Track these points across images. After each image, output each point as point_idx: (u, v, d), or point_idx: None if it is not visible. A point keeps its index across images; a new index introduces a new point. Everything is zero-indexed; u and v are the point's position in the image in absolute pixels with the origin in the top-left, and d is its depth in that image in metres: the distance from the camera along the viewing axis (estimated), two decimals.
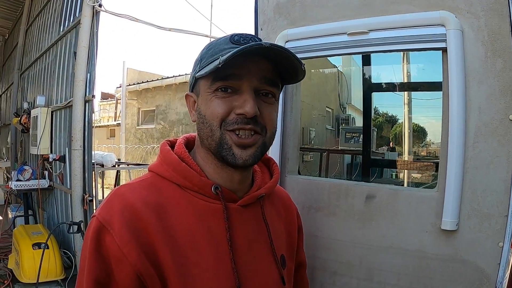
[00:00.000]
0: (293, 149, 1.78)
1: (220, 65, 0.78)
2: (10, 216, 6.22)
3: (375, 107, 6.64)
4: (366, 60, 3.36)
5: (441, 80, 1.42)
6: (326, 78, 6.49)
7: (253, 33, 1.89)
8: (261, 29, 1.81)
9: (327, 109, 7.23)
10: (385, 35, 1.42)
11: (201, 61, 0.90)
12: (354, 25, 1.47)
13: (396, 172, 4.89)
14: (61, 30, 6.32)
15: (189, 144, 1.02)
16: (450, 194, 1.31)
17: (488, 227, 1.30)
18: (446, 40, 1.33)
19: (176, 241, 0.83)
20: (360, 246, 1.47)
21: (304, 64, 0.88)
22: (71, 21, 5.82)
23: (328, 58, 5.63)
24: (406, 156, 5.32)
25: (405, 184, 4.69)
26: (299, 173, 1.85)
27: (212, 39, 0.99)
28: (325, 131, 7.18)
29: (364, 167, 3.64)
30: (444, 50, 1.35)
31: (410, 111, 5.17)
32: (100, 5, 5.05)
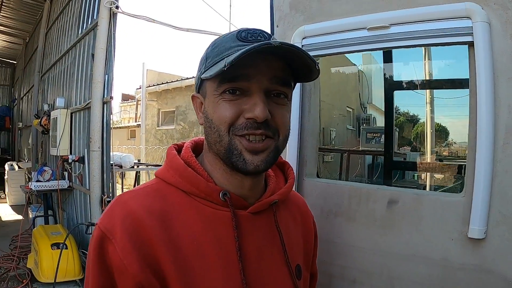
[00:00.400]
0: (312, 150, 1.71)
1: (225, 68, 0.73)
2: (30, 216, 6.30)
3: (396, 106, 6.53)
4: (387, 56, 3.24)
5: (467, 77, 1.33)
6: (347, 77, 6.41)
7: (269, 31, 1.83)
8: (277, 26, 1.75)
9: (347, 109, 7.14)
10: (407, 29, 1.34)
11: (206, 61, 0.84)
12: (374, 20, 1.39)
13: (419, 174, 4.75)
14: (80, 32, 6.38)
15: (198, 148, 0.97)
16: (478, 199, 1.22)
17: None
18: (472, 33, 1.24)
19: (181, 250, 0.78)
20: (381, 254, 1.39)
21: (318, 63, 0.82)
22: (89, 23, 5.88)
23: (347, 56, 5.56)
24: (428, 157, 5.17)
25: (428, 187, 4.54)
26: (318, 176, 1.78)
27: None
28: (345, 131, 7.09)
29: (386, 169, 3.50)
30: (471, 44, 1.26)
31: (432, 110, 5.03)
32: (117, 7, 5.07)
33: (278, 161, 1.04)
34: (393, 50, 3.21)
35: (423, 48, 4.11)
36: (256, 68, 0.79)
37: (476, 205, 1.22)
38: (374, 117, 6.41)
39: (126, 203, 0.80)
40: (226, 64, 0.72)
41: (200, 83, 0.87)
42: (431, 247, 1.31)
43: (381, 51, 3.25)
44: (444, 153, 6.22)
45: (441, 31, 1.29)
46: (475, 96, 1.25)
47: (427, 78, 4.13)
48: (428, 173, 4.61)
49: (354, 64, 6.04)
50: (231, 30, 0.87)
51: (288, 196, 1.01)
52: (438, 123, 5.55)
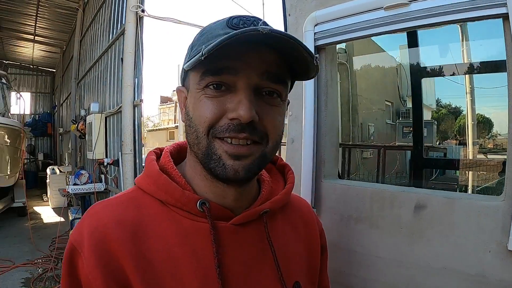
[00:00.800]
0: (331, 149, 1.56)
1: (202, 58, 0.61)
2: (70, 218, 6.48)
3: (438, 98, 6.25)
4: (412, 40, 2.98)
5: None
6: (384, 71, 6.20)
7: (281, 21, 1.70)
8: (289, 15, 1.61)
9: (386, 102, 6.91)
10: (428, 5, 1.16)
11: (192, 49, 0.73)
12: None
13: (461, 171, 4.45)
14: (110, 38, 6.50)
15: (182, 152, 0.86)
16: None
17: None
18: (506, 3, 1.04)
19: (152, 266, 0.69)
20: (407, 266, 1.22)
21: (316, 58, 0.69)
22: (118, 28, 5.96)
23: (384, 48, 5.34)
24: (470, 151, 4.87)
25: (470, 186, 4.24)
26: (341, 174, 1.63)
27: None
28: (385, 126, 6.87)
29: (414, 167, 3.21)
30: (505, 17, 1.06)
31: (473, 100, 4.73)
32: (143, 11, 5.08)
33: (278, 163, 0.94)
34: (418, 32, 2.97)
35: (456, 26, 3.83)
36: (245, 61, 0.67)
37: None
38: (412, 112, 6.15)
39: (96, 214, 0.73)
40: (203, 53, 0.61)
41: (185, 74, 0.76)
42: (464, 259, 1.12)
43: (405, 34, 3.01)
44: (488, 146, 5.86)
45: (468, 4, 1.09)
46: None
47: (460, 61, 3.83)
48: (467, 170, 4.29)
49: (392, 56, 5.82)
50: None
51: (289, 204, 0.90)
52: (480, 114, 5.23)
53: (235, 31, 0.62)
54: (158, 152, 0.85)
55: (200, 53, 0.62)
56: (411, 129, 4.97)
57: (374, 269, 1.30)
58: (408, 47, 3.08)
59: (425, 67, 3.29)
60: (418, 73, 3.15)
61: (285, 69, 0.73)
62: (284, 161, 0.95)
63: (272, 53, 0.69)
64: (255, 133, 0.69)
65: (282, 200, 0.85)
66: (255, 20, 0.70)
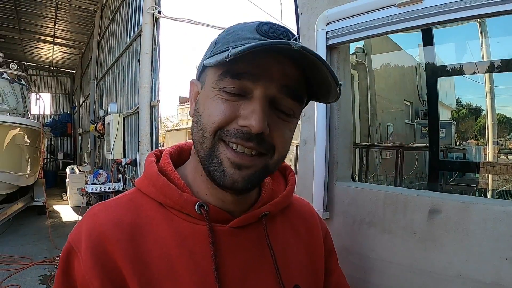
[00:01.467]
0: (344, 151, 1.53)
1: (227, 59, 0.60)
2: None
3: (458, 97, 6.13)
4: (427, 37, 2.92)
5: None
6: (403, 70, 6.14)
7: (294, 20, 1.68)
8: (301, 14, 1.58)
9: (405, 102, 6.83)
10: (443, 1, 1.11)
11: (215, 46, 0.72)
12: None
13: (477, 174, 4.33)
14: (128, 39, 6.58)
15: (184, 154, 0.86)
16: None
17: None
18: None
19: (149, 269, 0.68)
20: (420, 273, 1.18)
21: (341, 84, 0.68)
22: (136, 29, 6.03)
23: (404, 48, 5.26)
24: (490, 152, 4.75)
25: (490, 188, 4.13)
26: (352, 179, 1.60)
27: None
28: (404, 126, 6.79)
29: (430, 169, 3.13)
30: None
31: (493, 100, 4.61)
32: (159, 12, 5.13)
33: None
34: (434, 30, 2.90)
35: (475, 23, 3.74)
36: (266, 70, 0.66)
37: None
38: (428, 112, 6.08)
39: (95, 215, 0.73)
40: (229, 55, 0.60)
41: (202, 69, 0.75)
42: (479, 267, 1.08)
43: (420, 32, 2.94)
44: (509, 146, 5.72)
45: None
46: None
47: (479, 59, 3.74)
48: (486, 173, 4.17)
49: (411, 55, 5.74)
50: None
51: (290, 206, 0.90)
52: (501, 114, 5.10)
53: (268, 41, 0.62)
54: (159, 154, 0.85)
55: (227, 53, 0.61)
56: None
57: (386, 275, 1.27)
58: (424, 45, 3.02)
59: (442, 66, 3.23)
60: (434, 72, 3.09)
61: (304, 86, 0.72)
62: (286, 163, 0.93)
63: (295, 69, 0.68)
64: (262, 144, 0.68)
65: (282, 202, 0.84)
66: (284, 31, 0.70)
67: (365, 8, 1.30)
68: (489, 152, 4.75)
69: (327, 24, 1.42)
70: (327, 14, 1.41)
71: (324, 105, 1.44)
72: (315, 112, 1.47)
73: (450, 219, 1.16)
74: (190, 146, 0.84)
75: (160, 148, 0.88)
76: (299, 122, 1.59)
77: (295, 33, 1.63)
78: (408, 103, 7.00)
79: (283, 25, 0.71)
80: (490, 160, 4.53)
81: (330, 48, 1.47)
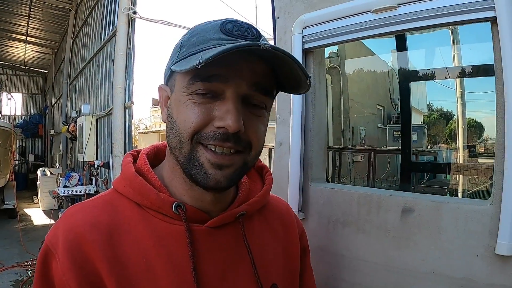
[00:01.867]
0: (318, 152, 1.54)
1: (198, 66, 0.60)
2: None
3: (429, 102, 6.29)
4: (400, 43, 3.00)
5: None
6: (376, 75, 6.24)
7: (271, 25, 1.69)
8: (278, 18, 1.59)
9: (378, 107, 6.95)
10: (416, 8, 1.15)
11: (180, 50, 0.71)
12: (379, 0, 1.21)
13: (452, 174, 4.46)
14: (102, 39, 6.48)
15: (160, 154, 0.86)
16: (508, 208, 1.00)
17: None
18: (494, 7, 1.02)
19: (127, 269, 0.68)
20: (394, 270, 1.20)
21: (310, 77, 0.69)
22: (110, 30, 5.95)
23: (376, 53, 5.35)
24: (460, 155, 4.88)
25: (461, 189, 4.24)
26: (332, 178, 1.61)
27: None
28: (376, 130, 6.91)
29: (403, 171, 3.21)
30: (493, 21, 1.05)
31: (464, 105, 4.75)
32: (134, 12, 5.06)
33: (257, 165, 0.93)
34: (408, 36, 2.97)
35: (447, 30, 3.83)
36: (236, 70, 0.66)
37: (506, 215, 1.01)
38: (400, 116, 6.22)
39: (72, 216, 0.72)
40: (201, 62, 0.60)
41: (170, 74, 0.74)
42: (452, 264, 1.10)
43: (393, 38, 3.02)
44: (479, 150, 5.89)
45: (456, 7, 1.08)
46: (501, 82, 1.04)
47: (450, 64, 3.85)
48: (457, 174, 4.30)
49: (384, 61, 5.85)
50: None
51: (267, 205, 0.90)
52: (472, 119, 5.26)
53: (235, 44, 0.61)
54: (135, 155, 0.84)
55: (198, 60, 0.60)
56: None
57: (361, 273, 1.28)
58: (397, 51, 3.09)
59: (415, 71, 3.31)
60: (407, 76, 3.17)
61: (273, 81, 0.73)
62: (263, 162, 0.94)
63: (263, 65, 0.69)
64: (240, 142, 0.69)
65: (259, 202, 0.85)
66: (248, 27, 0.70)
67: (342, 14, 1.32)
68: (459, 155, 4.89)
69: (304, 28, 1.44)
70: (304, 19, 1.43)
71: (300, 108, 1.46)
72: (290, 115, 1.48)
73: (422, 218, 1.18)
74: (166, 146, 0.84)
75: (137, 149, 0.87)
76: (274, 125, 1.61)
77: (273, 35, 1.64)
78: (381, 108, 7.11)
79: (246, 22, 0.71)
80: (461, 162, 4.66)
81: (306, 52, 1.49)
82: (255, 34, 0.70)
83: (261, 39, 0.70)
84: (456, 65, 4.00)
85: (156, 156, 0.86)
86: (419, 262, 1.17)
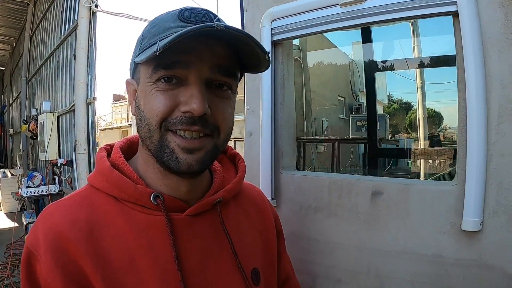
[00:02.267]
0: (288, 141, 1.57)
1: (157, 53, 0.61)
2: (24, 222, 6.20)
3: (390, 93, 6.49)
4: (366, 36, 3.09)
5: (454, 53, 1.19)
6: (337, 67, 6.35)
7: (235, 15, 1.70)
8: (246, 11, 1.61)
9: (339, 98, 7.09)
10: (383, 2, 1.20)
11: (142, 42, 0.72)
12: None
13: (413, 161, 4.64)
14: (62, 34, 6.28)
15: (133, 147, 0.86)
16: (471, 187, 1.07)
17: None
18: (456, 2, 1.09)
19: (110, 264, 0.68)
20: (367, 251, 1.25)
21: (268, 53, 0.70)
22: (71, 24, 5.77)
23: (338, 45, 5.46)
24: (421, 143, 5.06)
25: (422, 174, 4.41)
26: (297, 168, 1.65)
27: None
28: (338, 121, 7.05)
29: (370, 157, 3.33)
30: (455, 15, 1.11)
31: (424, 95, 4.92)
32: (96, 6, 4.93)
33: (229, 153, 0.95)
34: (372, 29, 3.07)
35: (407, 24, 3.97)
36: (196, 55, 0.67)
37: (470, 194, 1.08)
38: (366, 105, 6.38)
39: (50, 215, 0.71)
40: (158, 48, 0.61)
41: (135, 67, 0.75)
42: (421, 242, 1.17)
43: (358, 31, 3.10)
44: (438, 138, 6.13)
45: (420, 1, 1.15)
46: (463, 72, 1.11)
47: (411, 56, 3.99)
48: (421, 160, 4.48)
49: (345, 53, 5.97)
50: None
51: (241, 192, 0.92)
52: (431, 108, 5.45)
53: (190, 28, 0.62)
54: (109, 149, 0.84)
55: (156, 47, 0.61)
56: (364, 122, 5.11)
57: (335, 256, 1.32)
58: (362, 43, 3.18)
59: (379, 62, 3.41)
60: (373, 67, 3.26)
61: (236, 62, 0.74)
62: (235, 150, 0.95)
63: (223, 47, 0.70)
64: (207, 126, 0.70)
65: (234, 188, 0.86)
66: (206, 13, 0.71)
67: (310, 7, 1.36)
68: (420, 143, 5.06)
69: (272, 20, 1.46)
70: (272, 11, 1.46)
71: (269, 98, 1.49)
72: (260, 105, 1.50)
73: (391, 200, 1.23)
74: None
75: (109, 143, 0.87)
76: (242, 117, 1.62)
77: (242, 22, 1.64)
78: (342, 99, 7.25)
79: (203, 8, 0.72)
80: (422, 148, 4.84)
81: (274, 44, 1.52)
82: (212, 18, 0.71)
83: (216, 21, 0.70)
84: (416, 57, 4.13)
85: (129, 148, 0.85)
86: (389, 242, 1.22)
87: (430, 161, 4.51)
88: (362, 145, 5.16)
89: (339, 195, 1.33)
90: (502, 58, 1.08)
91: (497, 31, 1.08)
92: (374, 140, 3.08)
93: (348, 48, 5.23)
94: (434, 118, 5.95)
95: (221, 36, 0.67)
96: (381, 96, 6.22)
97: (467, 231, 1.09)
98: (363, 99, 6.61)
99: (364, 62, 3.40)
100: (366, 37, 3.17)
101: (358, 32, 3.27)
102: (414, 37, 4.14)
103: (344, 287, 1.31)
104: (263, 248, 0.90)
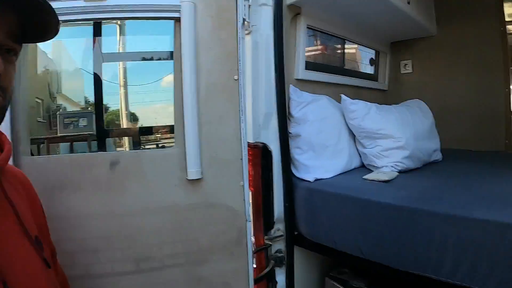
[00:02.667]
0: (24, 126, 1.56)
1: None
2: None
3: (86, 96, 6.42)
4: (97, 30, 3.17)
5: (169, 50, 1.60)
6: (36, 68, 5.83)
7: None
8: None
9: (37, 100, 6.55)
10: (121, 2, 1.46)
11: None
12: None
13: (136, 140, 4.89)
14: None
15: None
16: (191, 146, 1.47)
17: (228, 171, 1.56)
18: (180, 10, 1.49)
19: None
20: (115, 216, 1.45)
21: (60, 22, 0.82)
22: None
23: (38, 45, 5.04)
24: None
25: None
26: (31, 154, 1.63)
27: None
28: (36, 124, 6.51)
29: (99, 140, 3.46)
30: (178, 20, 1.51)
31: (126, 93, 5.20)
32: None
33: None
34: (104, 26, 3.18)
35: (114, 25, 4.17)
36: None
37: (190, 152, 1.47)
38: (65, 106, 6.14)
39: None
40: None
41: None
42: (158, 196, 1.48)
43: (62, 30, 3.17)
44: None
45: (153, 6, 1.48)
46: (180, 64, 1.50)
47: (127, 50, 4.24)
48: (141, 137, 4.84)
49: (44, 51, 5.57)
50: None
51: (7, 170, 0.93)
52: (133, 106, 5.84)
53: None
54: None
55: None
56: (73, 119, 5.01)
57: (88, 228, 1.43)
58: (94, 36, 3.21)
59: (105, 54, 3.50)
60: (100, 58, 3.35)
61: (21, 29, 0.79)
62: None
63: (15, 15, 0.76)
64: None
65: (7, 159, 0.87)
66: None
67: None
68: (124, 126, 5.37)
69: None
70: None
71: None
72: None
73: (128, 167, 1.48)
74: None
75: None
76: None
77: None
78: (40, 101, 6.78)
79: None
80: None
81: None
82: None
83: None
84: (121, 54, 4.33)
85: None
86: (133, 203, 1.47)
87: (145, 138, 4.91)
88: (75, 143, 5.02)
89: (81, 171, 1.44)
90: (209, 54, 1.54)
91: (206, 34, 1.54)
92: (102, 124, 3.24)
93: (46, 46, 4.94)
94: (134, 115, 6.39)
95: (18, 5, 0.72)
96: (78, 99, 6.14)
97: (192, 180, 1.49)
98: (61, 101, 6.36)
99: (104, 55, 3.41)
100: (98, 32, 3.21)
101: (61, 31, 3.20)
102: (120, 35, 4.31)
103: (102, 254, 1.45)
104: (36, 221, 0.94)
